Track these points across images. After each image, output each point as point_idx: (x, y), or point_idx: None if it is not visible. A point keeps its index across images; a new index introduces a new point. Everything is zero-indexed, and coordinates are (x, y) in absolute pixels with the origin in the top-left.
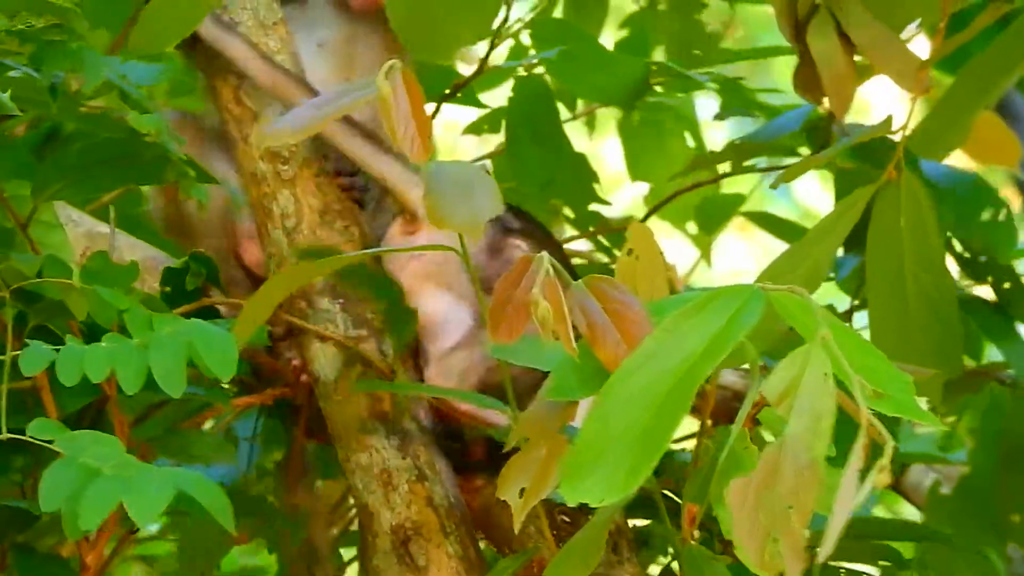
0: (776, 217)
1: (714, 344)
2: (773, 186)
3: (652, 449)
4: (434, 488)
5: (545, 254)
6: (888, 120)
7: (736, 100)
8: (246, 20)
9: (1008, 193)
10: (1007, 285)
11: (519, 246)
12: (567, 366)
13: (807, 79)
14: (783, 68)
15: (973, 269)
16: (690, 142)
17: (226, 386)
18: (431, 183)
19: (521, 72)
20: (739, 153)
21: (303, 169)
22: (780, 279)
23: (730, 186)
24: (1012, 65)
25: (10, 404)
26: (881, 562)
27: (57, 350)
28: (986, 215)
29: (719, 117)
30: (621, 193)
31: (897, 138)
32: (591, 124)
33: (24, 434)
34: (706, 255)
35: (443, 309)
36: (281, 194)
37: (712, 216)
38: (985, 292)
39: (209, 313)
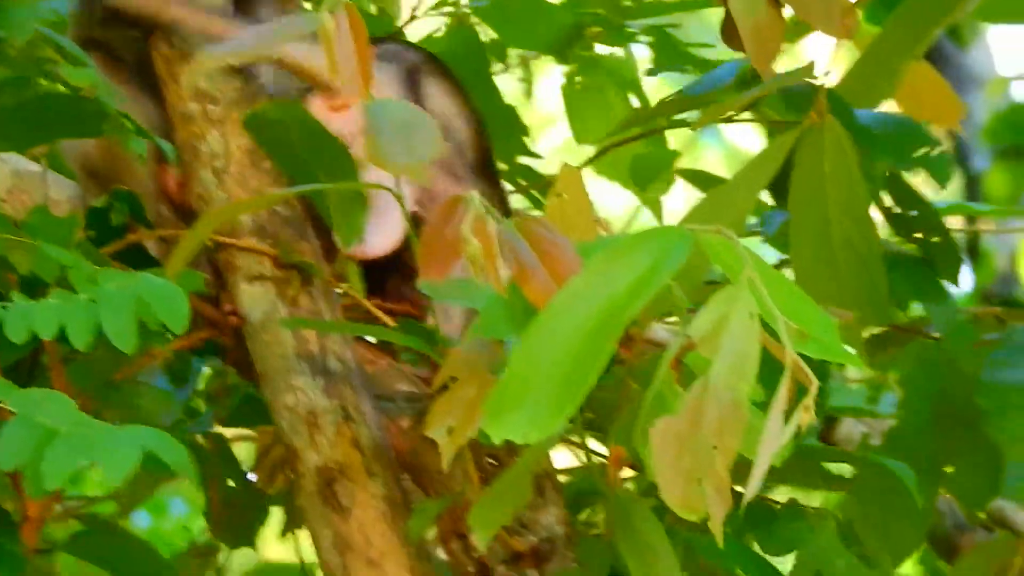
0: (708, 174)
1: (640, 284)
2: (693, 128)
3: (577, 387)
4: (360, 429)
5: (475, 194)
6: (810, 65)
7: (669, 54)
8: None
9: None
10: (936, 239)
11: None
12: (496, 305)
13: (733, 30)
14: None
15: (902, 224)
16: (635, 103)
17: None
18: (371, 122)
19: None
20: (671, 109)
21: (232, 110)
22: (703, 222)
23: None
24: (941, 13)
25: None
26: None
27: (4, 307)
28: (920, 152)
29: (651, 72)
30: (551, 135)
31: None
32: (528, 81)
33: None
34: (656, 212)
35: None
36: (210, 134)
37: (646, 172)
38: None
39: (137, 251)
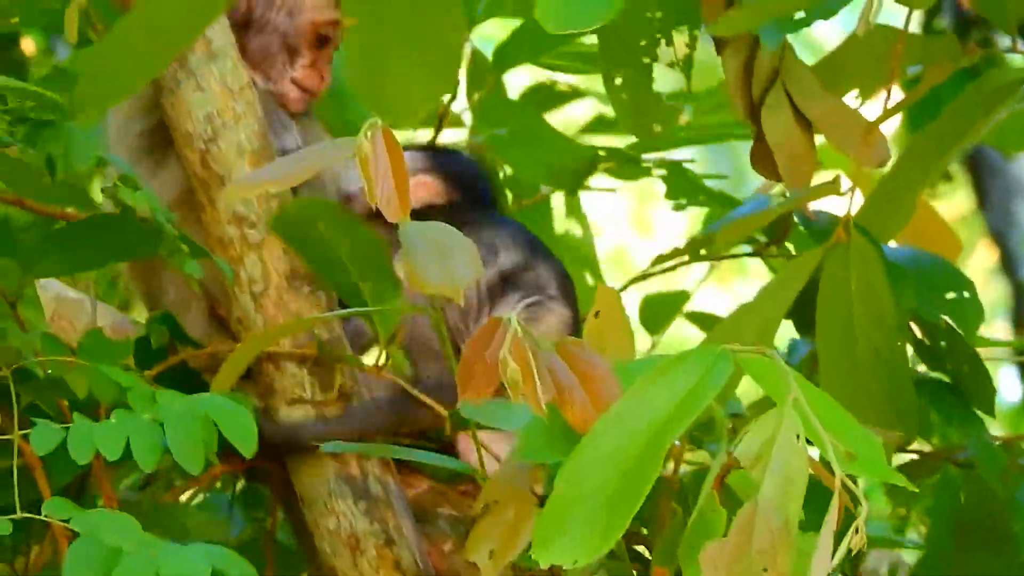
0: (715, 317)
1: (683, 406)
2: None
3: (623, 510)
4: (402, 552)
5: (513, 316)
6: (836, 181)
7: (682, 186)
8: (213, 86)
9: (984, 243)
10: (966, 368)
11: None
12: (535, 428)
13: (764, 157)
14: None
15: (931, 355)
16: (589, 280)
17: None
18: (408, 244)
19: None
20: (699, 247)
21: (270, 233)
22: (728, 340)
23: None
24: (953, 141)
25: None
26: None
27: (66, 428)
28: (951, 295)
29: (678, 208)
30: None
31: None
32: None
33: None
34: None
35: None
36: (248, 258)
37: (657, 315)
38: None
39: (183, 370)
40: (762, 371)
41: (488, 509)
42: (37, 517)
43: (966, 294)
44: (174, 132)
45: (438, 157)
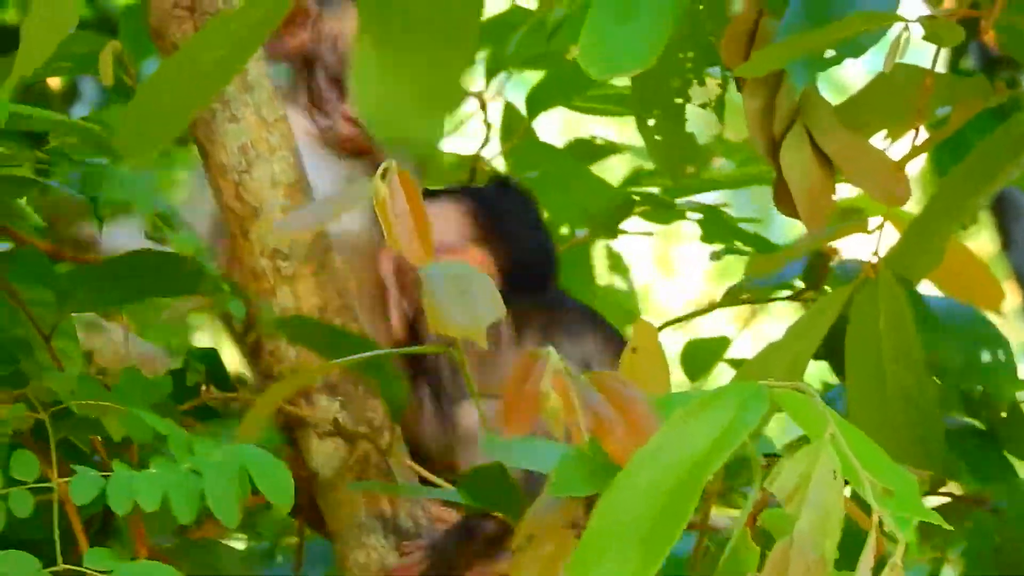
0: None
1: (720, 441)
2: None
3: (659, 545)
4: None
5: (552, 349)
6: (864, 220)
7: (718, 230)
8: (248, 116)
9: (1008, 286)
10: (1004, 415)
11: None
12: (571, 461)
13: (786, 196)
14: None
15: (968, 403)
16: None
17: None
18: (430, 285)
19: None
20: (737, 296)
21: (303, 266)
22: (757, 378)
23: None
24: (982, 183)
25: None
26: None
27: (106, 477)
28: (986, 356)
29: (715, 257)
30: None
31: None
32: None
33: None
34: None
35: None
36: (281, 290)
37: (698, 362)
38: None
39: (209, 409)
40: (797, 406)
41: (527, 542)
42: (77, 568)
43: (1002, 355)
44: (207, 161)
45: (490, 216)
